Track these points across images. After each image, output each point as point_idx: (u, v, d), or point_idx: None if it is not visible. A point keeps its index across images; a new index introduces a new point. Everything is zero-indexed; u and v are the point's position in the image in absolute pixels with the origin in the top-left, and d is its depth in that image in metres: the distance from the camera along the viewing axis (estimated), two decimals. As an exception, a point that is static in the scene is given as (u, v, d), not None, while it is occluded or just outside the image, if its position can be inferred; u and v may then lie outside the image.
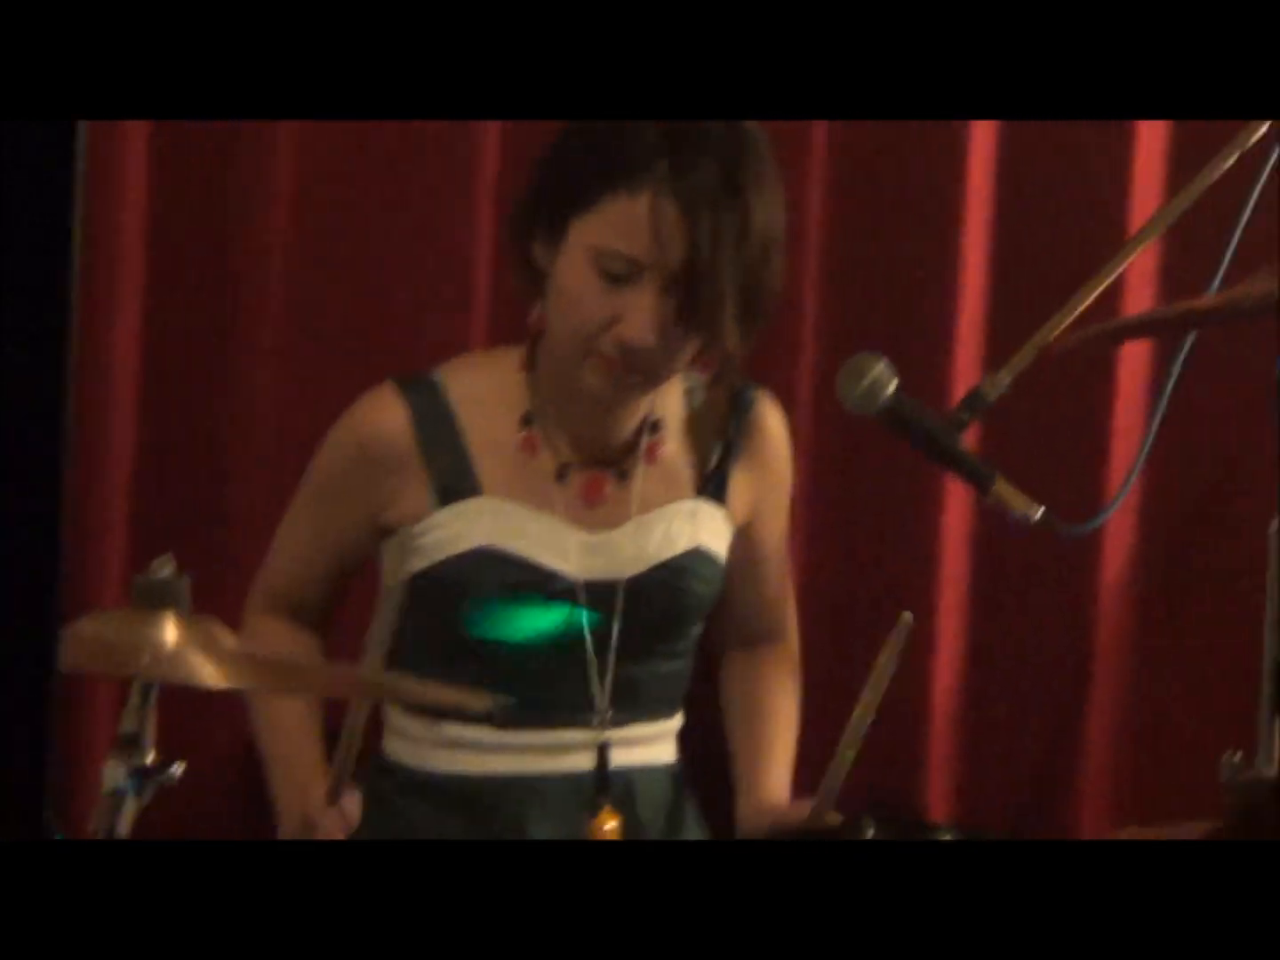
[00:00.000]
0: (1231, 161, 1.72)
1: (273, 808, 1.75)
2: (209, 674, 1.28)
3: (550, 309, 1.72)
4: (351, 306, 1.99)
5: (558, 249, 1.70)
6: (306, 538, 1.81)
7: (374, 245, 2.01)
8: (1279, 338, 1.63)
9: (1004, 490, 1.61)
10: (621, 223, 1.65)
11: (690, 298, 1.64)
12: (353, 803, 1.62)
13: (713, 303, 1.65)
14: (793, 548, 1.95)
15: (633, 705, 1.77)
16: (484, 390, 1.78)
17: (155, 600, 1.28)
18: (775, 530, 1.87)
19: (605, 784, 1.76)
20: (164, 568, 1.30)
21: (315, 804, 1.62)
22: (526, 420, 1.76)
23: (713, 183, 1.65)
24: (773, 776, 1.84)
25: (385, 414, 1.75)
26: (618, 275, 1.65)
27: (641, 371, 1.69)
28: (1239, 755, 1.52)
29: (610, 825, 1.71)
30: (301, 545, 1.81)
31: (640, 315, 1.64)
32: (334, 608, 1.83)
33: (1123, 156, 2.06)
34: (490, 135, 2.02)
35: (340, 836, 1.59)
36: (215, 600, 1.48)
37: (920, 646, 1.96)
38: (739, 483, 1.83)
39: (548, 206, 1.71)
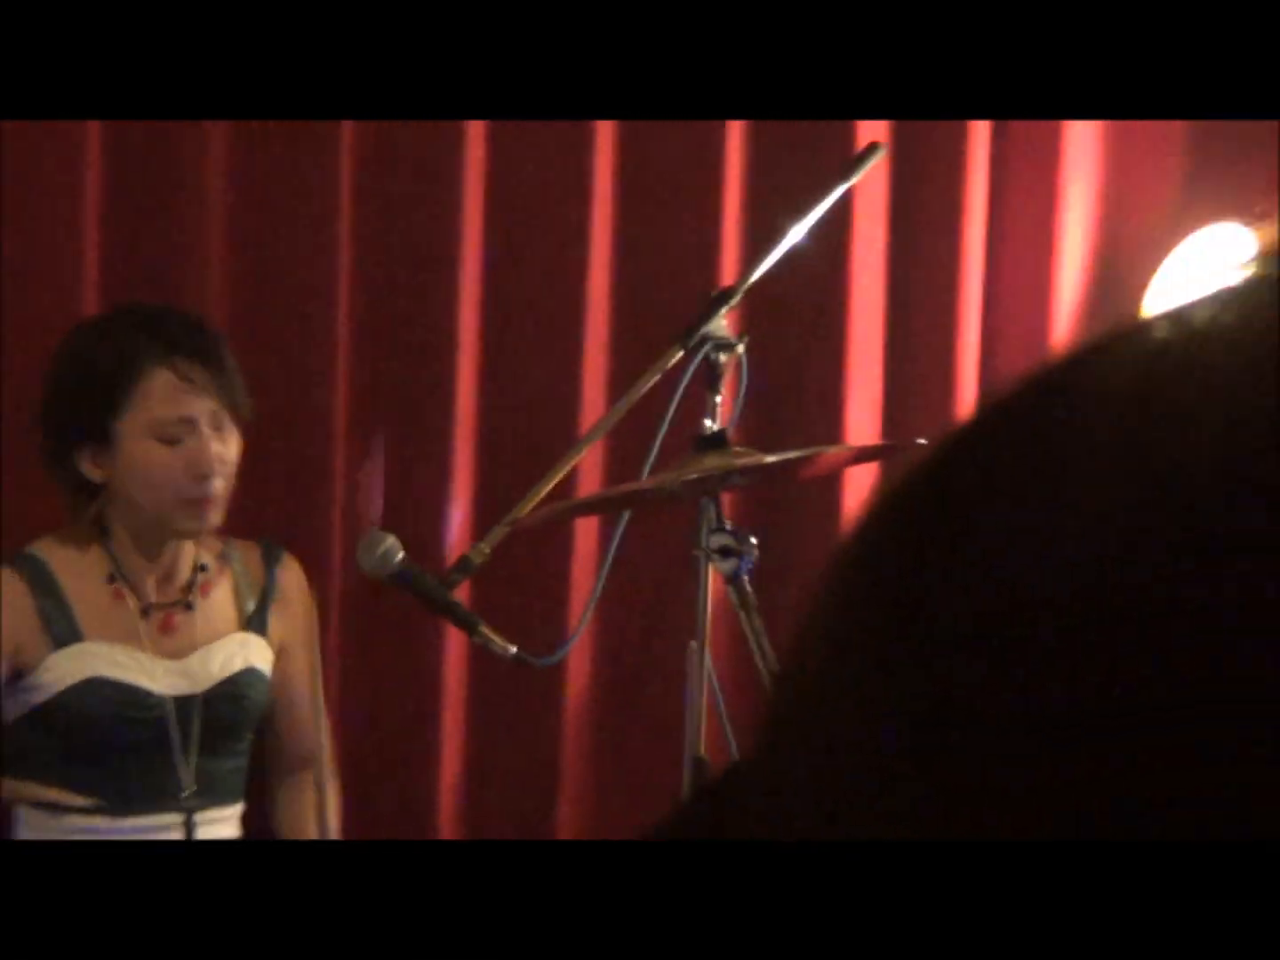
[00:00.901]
0: (655, 379, 2.27)
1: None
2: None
3: (129, 490, 2.16)
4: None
5: (112, 449, 2.13)
6: None
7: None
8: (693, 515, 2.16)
9: (487, 633, 2.00)
10: (164, 396, 2.11)
11: (220, 426, 2.14)
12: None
13: (235, 419, 2.16)
14: (328, 679, 2.43)
15: (210, 791, 2.19)
16: (73, 559, 2.20)
17: None
18: (303, 661, 2.28)
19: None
20: None
21: None
22: (111, 578, 2.21)
23: (193, 338, 2.16)
24: None
25: (8, 588, 2.16)
26: (175, 436, 2.12)
27: (220, 496, 2.16)
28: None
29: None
30: None
31: (206, 452, 2.11)
32: None
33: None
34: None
35: None
36: None
37: (424, 759, 2.49)
38: (274, 619, 2.29)
39: (82, 426, 2.14)
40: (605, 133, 2.61)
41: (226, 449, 2.14)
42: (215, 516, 2.17)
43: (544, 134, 2.57)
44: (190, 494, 2.12)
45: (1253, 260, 0.34)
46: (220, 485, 2.14)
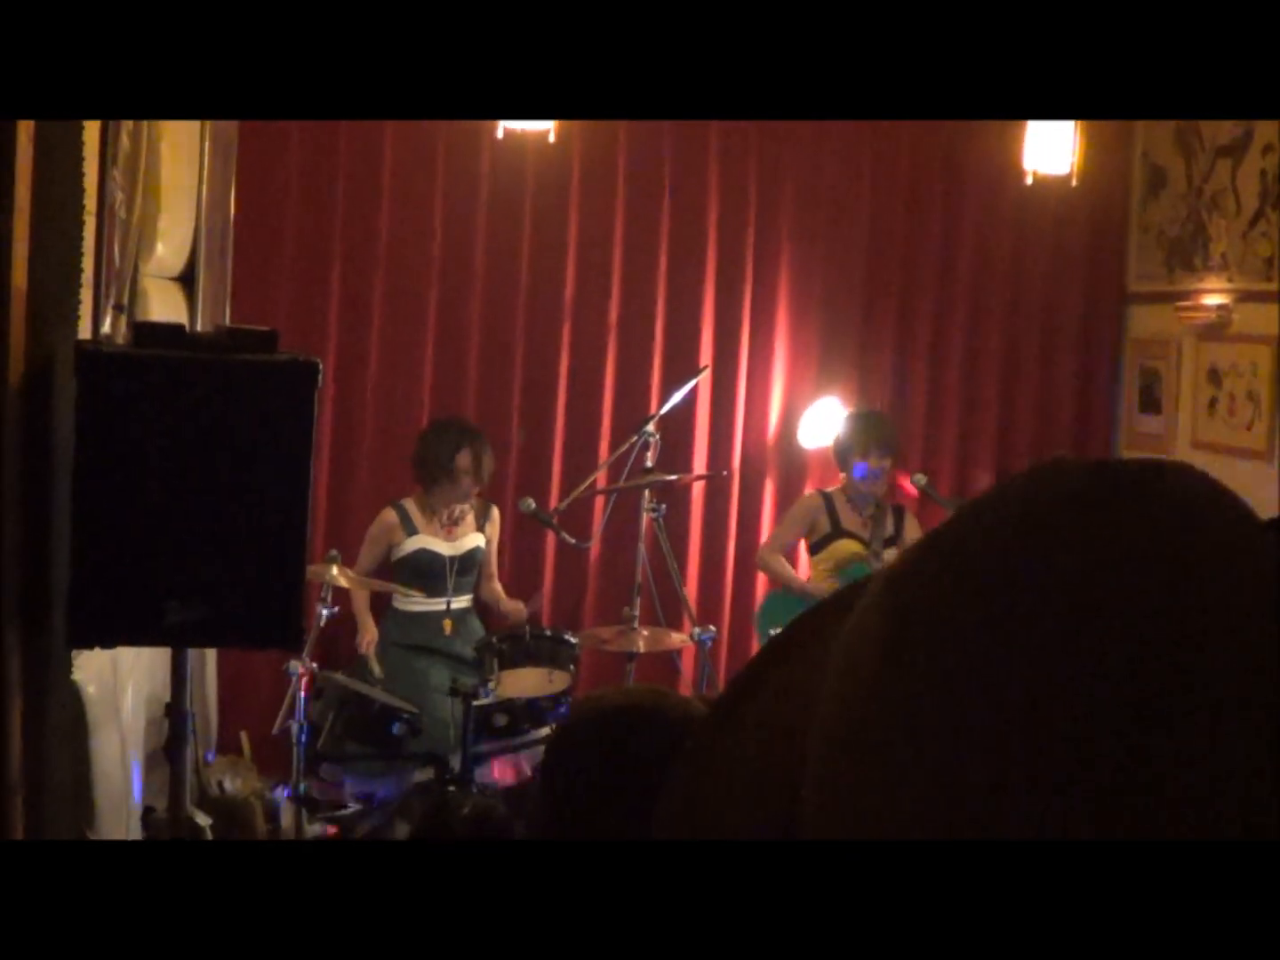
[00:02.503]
0: (630, 444, 6.17)
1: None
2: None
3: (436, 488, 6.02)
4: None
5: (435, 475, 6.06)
6: None
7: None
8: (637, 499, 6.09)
9: (564, 534, 6.02)
10: (462, 462, 6.01)
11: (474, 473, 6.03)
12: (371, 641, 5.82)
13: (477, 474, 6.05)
14: (501, 556, 6.32)
15: (458, 591, 6.06)
16: (418, 504, 6.05)
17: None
18: (493, 546, 6.19)
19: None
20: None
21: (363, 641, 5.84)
22: (429, 510, 6.05)
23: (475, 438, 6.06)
24: None
25: (387, 514, 5.96)
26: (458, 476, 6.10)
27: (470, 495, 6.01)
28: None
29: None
30: None
31: (466, 488, 6.00)
32: None
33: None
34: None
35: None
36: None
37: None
38: (487, 527, 6.10)
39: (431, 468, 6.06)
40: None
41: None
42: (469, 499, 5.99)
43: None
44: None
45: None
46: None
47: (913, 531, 6.11)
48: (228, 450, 2.95)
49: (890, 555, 6.01)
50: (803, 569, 6.32)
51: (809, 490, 6.38)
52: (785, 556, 6.25)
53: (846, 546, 6.04)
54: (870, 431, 6.01)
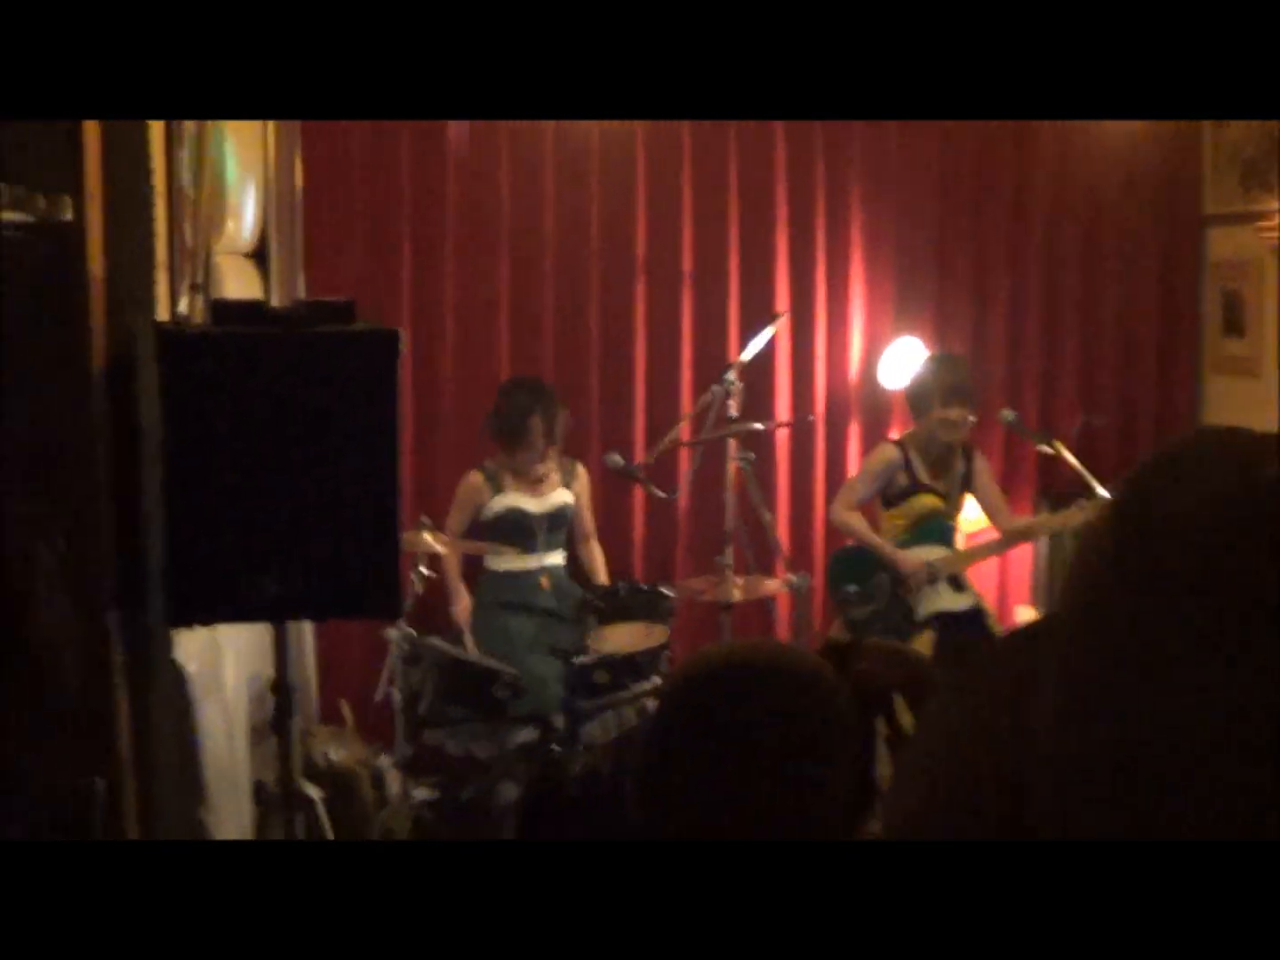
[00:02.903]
0: (708, 399, 6.15)
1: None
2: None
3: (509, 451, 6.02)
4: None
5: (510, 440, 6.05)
6: None
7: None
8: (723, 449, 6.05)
9: (652, 487, 6.01)
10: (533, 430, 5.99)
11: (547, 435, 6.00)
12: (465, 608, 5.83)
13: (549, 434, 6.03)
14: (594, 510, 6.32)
15: (548, 548, 5.99)
16: (502, 465, 6.03)
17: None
18: (585, 501, 6.16)
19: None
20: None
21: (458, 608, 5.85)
22: (512, 470, 6.05)
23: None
24: None
25: (474, 477, 5.99)
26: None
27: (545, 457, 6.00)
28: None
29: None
30: None
31: (540, 449, 6.00)
32: None
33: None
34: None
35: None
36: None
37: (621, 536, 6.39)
38: (574, 484, 6.09)
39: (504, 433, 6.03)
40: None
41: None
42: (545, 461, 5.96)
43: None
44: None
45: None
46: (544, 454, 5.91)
47: (982, 470, 6.02)
48: (313, 423, 2.95)
49: (964, 500, 5.96)
50: (873, 520, 6.20)
51: (885, 442, 6.24)
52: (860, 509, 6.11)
53: (925, 501, 5.91)
54: (952, 378, 5.86)
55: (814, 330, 6.56)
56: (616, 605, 5.21)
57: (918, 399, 5.92)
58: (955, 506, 5.94)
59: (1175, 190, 6.75)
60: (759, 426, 5.87)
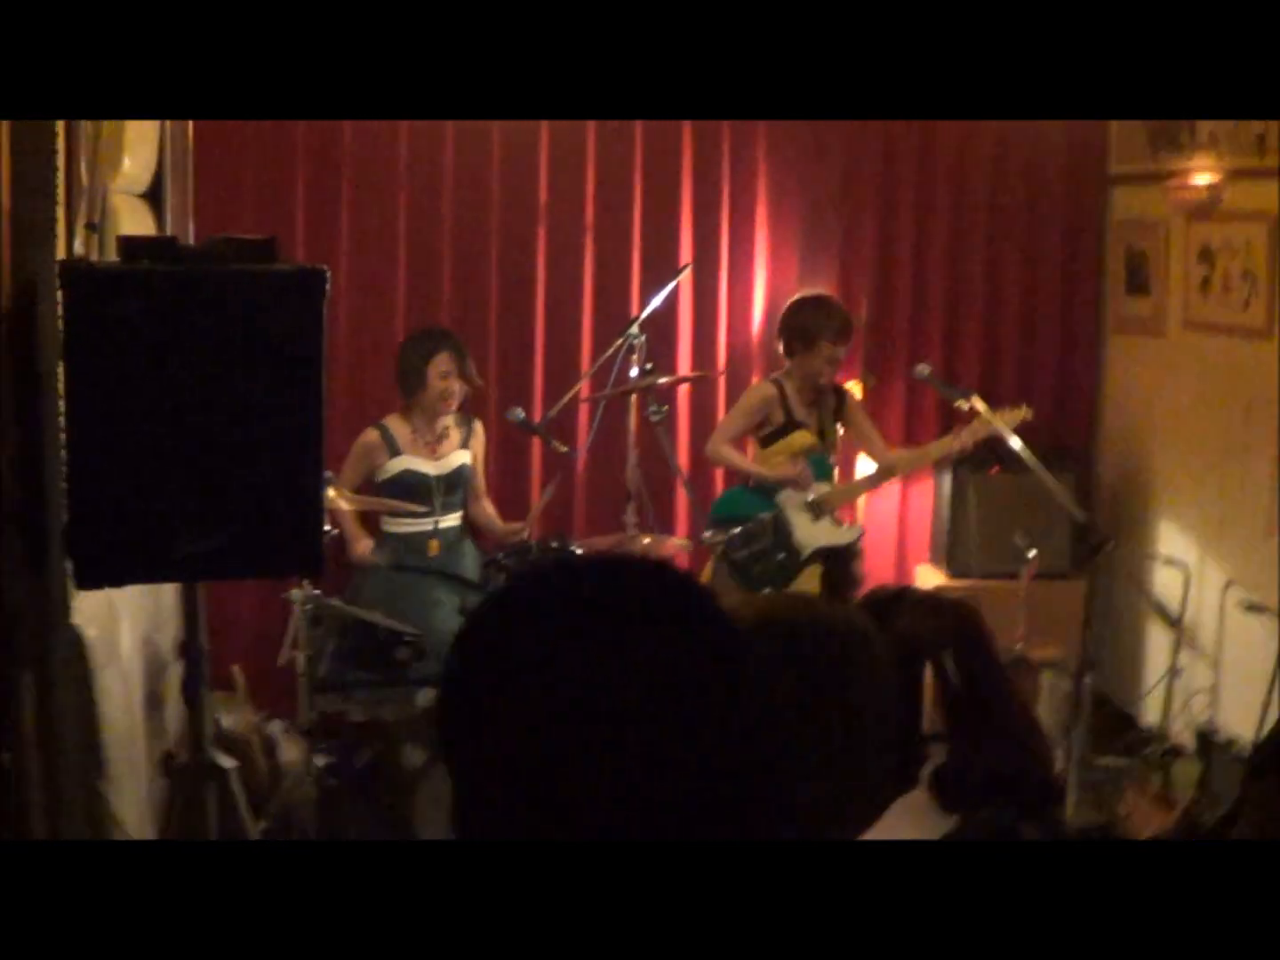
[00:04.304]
0: (615, 349, 5.98)
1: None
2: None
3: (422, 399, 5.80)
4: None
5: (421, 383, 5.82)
6: None
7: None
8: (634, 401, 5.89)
9: (554, 442, 5.83)
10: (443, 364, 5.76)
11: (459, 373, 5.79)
12: (368, 546, 5.65)
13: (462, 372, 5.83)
14: (487, 468, 6.11)
15: (444, 510, 5.83)
16: (399, 422, 5.80)
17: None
18: (480, 461, 5.97)
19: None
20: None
21: (359, 548, 5.65)
22: (428, 429, 5.83)
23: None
24: None
25: (369, 435, 5.74)
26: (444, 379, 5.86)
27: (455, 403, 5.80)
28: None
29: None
30: None
31: (452, 386, 5.79)
32: None
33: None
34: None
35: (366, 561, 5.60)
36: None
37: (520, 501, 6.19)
38: (472, 443, 5.86)
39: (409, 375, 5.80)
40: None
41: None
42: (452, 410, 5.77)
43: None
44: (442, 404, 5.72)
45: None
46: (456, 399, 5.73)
47: (855, 405, 6.03)
48: (231, 368, 2.75)
49: (839, 435, 5.90)
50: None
51: (762, 380, 6.10)
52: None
53: (801, 438, 5.84)
54: (840, 317, 5.78)
55: (718, 283, 6.42)
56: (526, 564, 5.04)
57: (803, 336, 5.78)
58: (831, 442, 5.92)
59: (1081, 150, 6.68)
60: (665, 380, 5.74)
